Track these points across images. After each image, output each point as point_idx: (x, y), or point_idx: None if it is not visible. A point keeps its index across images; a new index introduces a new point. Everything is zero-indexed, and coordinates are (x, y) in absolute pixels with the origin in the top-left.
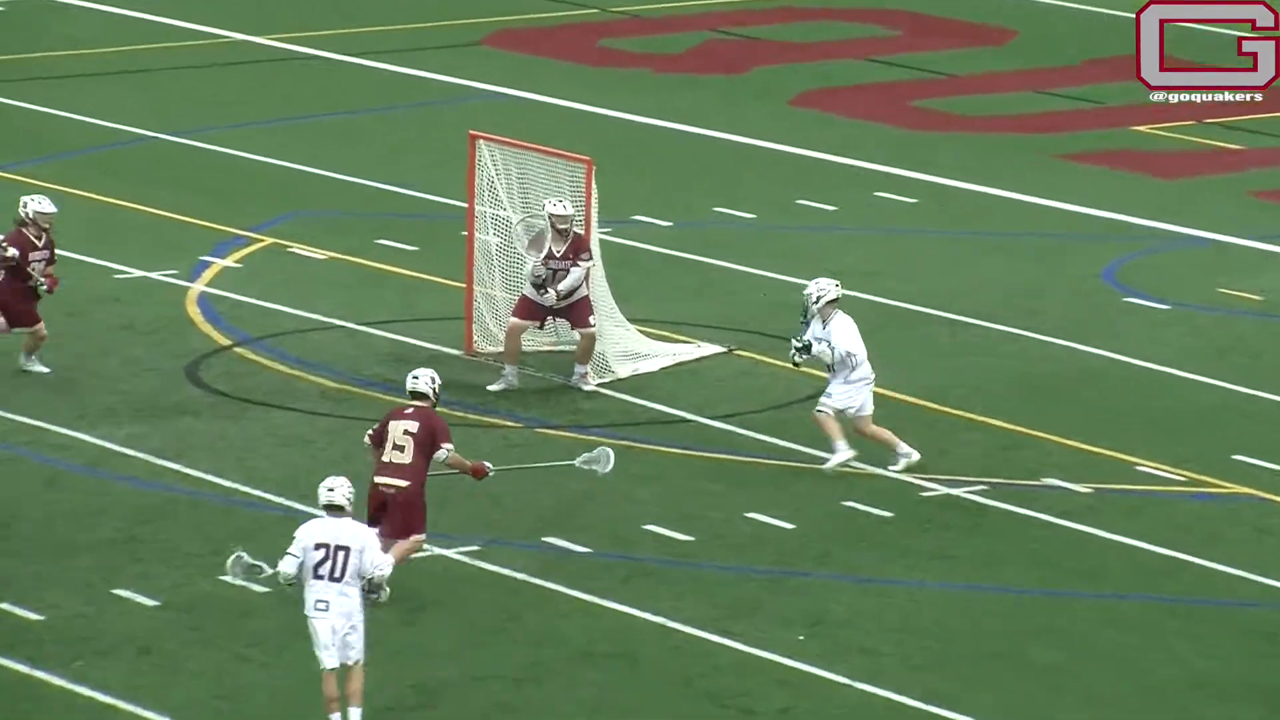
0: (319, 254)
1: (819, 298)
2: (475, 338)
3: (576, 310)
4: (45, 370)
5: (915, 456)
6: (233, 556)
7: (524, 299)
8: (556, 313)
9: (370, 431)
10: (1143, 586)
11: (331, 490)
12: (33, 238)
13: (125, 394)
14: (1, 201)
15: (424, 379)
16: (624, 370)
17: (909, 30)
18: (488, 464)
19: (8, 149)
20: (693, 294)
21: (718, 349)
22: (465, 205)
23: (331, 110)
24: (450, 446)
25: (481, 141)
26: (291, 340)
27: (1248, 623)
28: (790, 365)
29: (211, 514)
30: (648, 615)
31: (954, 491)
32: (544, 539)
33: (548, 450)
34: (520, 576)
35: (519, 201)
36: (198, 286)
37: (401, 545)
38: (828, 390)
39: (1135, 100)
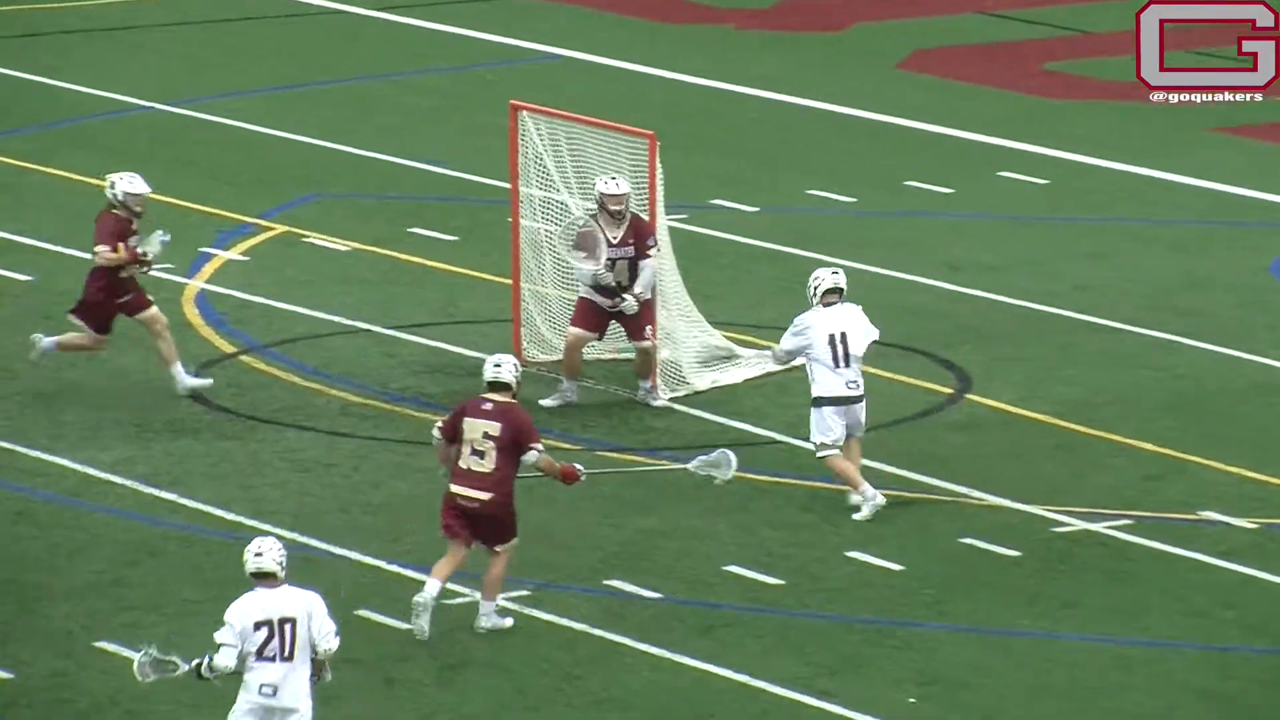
0: (340, 244)
1: (814, 289)
2: (525, 344)
3: (634, 317)
4: (207, 382)
5: (880, 501)
6: (140, 654)
7: (584, 303)
8: (616, 316)
9: (441, 424)
10: None
11: (260, 555)
12: (126, 221)
13: (110, 410)
14: None
15: (507, 367)
16: (701, 382)
17: None
18: (579, 467)
19: None
20: (782, 291)
21: None
22: (510, 187)
23: (353, 74)
24: (540, 447)
25: (525, 112)
26: (307, 347)
27: None
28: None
29: (212, 553)
30: (729, 673)
31: (1093, 526)
32: (607, 582)
33: (612, 477)
34: (579, 627)
35: (574, 183)
36: (196, 283)
37: (497, 568)
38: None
39: None
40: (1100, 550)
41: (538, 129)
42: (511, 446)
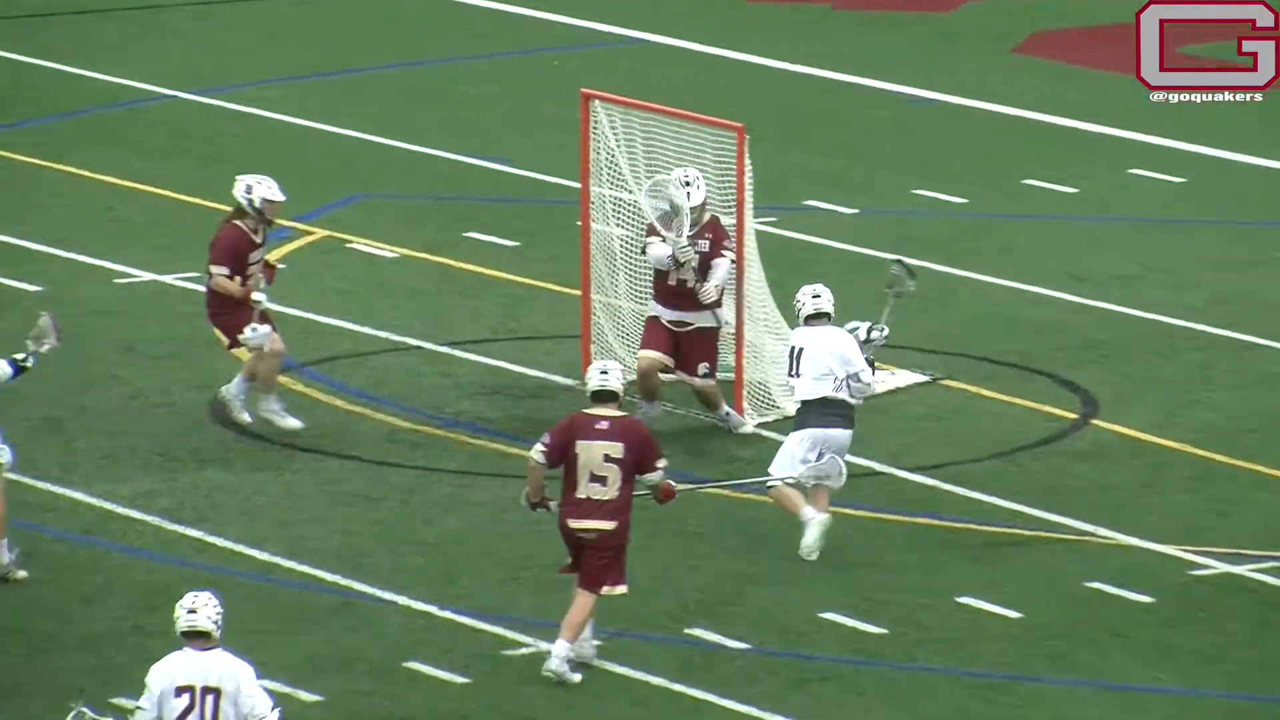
0: (388, 251)
1: (797, 312)
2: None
3: (695, 344)
4: (298, 424)
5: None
6: (72, 714)
7: (653, 324)
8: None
9: (543, 446)
10: None
11: (193, 613)
12: (251, 233)
13: (128, 438)
14: None
15: (614, 373)
16: (792, 406)
17: None
18: (672, 482)
19: None
20: (882, 303)
21: (919, 377)
22: (579, 186)
23: (403, 59)
24: (665, 464)
25: (598, 102)
26: (351, 365)
27: None
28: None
29: (243, 597)
30: None
31: (1237, 569)
32: (687, 630)
33: (691, 511)
34: (656, 681)
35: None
36: None
37: (586, 609)
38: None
39: None
40: (1246, 597)
41: (611, 121)
42: (636, 466)
